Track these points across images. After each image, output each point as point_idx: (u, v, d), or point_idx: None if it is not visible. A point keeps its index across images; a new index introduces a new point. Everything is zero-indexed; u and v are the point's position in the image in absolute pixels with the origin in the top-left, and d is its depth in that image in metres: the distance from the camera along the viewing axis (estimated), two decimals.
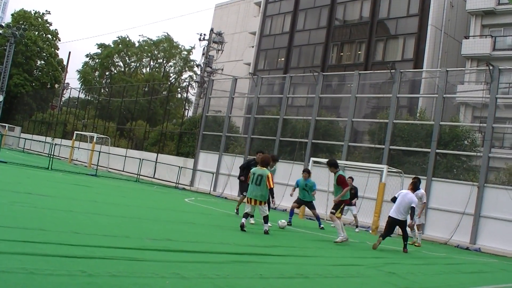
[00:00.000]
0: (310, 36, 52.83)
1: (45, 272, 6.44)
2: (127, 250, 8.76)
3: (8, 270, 6.23)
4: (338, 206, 16.06)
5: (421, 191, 19.10)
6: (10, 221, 9.93)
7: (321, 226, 20.48)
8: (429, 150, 26.83)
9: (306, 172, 20.92)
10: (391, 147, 28.39)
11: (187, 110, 59.64)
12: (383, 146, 28.71)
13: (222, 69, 53.73)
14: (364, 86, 34.67)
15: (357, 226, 23.13)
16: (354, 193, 23.24)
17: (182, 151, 44.33)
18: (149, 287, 6.60)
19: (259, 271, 8.89)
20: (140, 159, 38.69)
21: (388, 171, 24.47)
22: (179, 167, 37.18)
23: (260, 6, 60.77)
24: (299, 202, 20.86)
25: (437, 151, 26.63)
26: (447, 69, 28.40)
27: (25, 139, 59.97)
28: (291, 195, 21.22)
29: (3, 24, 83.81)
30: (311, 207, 20.67)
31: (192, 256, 9.34)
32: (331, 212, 15.89)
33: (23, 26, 77.47)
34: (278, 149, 33.41)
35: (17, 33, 72.86)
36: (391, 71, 29.56)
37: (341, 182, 15.82)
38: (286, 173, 31.56)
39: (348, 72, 37.73)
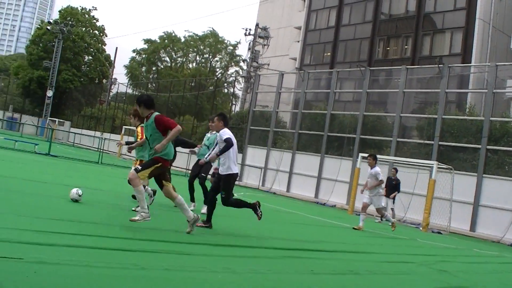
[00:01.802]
0: (355, 31, 52.37)
1: (99, 265, 6.48)
2: (178, 244, 8.79)
3: (64, 263, 6.29)
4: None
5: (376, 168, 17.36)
6: (62, 213, 10.03)
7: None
8: (479, 146, 26.34)
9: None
10: (441, 143, 27.97)
11: (234, 105, 59.81)
12: (432, 142, 28.31)
13: (269, 64, 53.60)
14: (412, 81, 34.20)
15: (381, 218, 21.29)
16: (395, 185, 22.93)
17: None
18: (200, 281, 6.60)
19: (310, 266, 8.83)
20: (188, 153, 38.80)
21: (438, 168, 24.06)
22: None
23: (305, 1, 60.44)
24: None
25: (488, 147, 26.11)
26: (497, 63, 27.85)
27: (75, 133, 60.79)
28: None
29: (51, 21, 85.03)
30: None
31: (243, 251, 9.33)
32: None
33: (70, 23, 78.49)
34: (326, 145, 33.22)
35: (64, 29, 73.89)
36: (439, 65, 29.14)
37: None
38: (334, 169, 31.40)
39: (395, 66, 37.25)
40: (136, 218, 9.55)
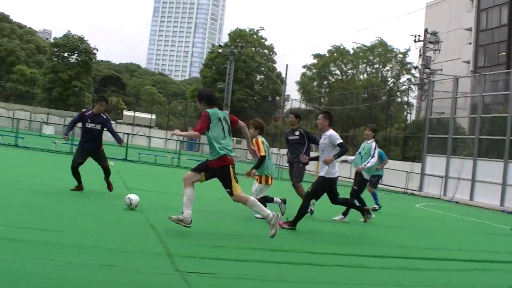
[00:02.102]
0: None
1: (294, 280, 6.52)
2: (355, 257, 8.67)
3: (257, 278, 6.41)
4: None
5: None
6: (248, 230, 10.24)
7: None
8: None
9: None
10: None
11: (409, 114, 58.80)
12: None
13: (441, 69, 52.25)
14: None
15: None
16: None
17: (408, 155, 43.63)
18: None
19: (504, 280, 8.41)
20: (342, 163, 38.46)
21: None
22: (406, 172, 36.60)
23: (473, 1, 58.44)
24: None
25: None
26: None
27: None
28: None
29: (222, 44, 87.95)
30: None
31: (429, 264, 9.01)
32: None
33: (240, 44, 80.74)
34: (509, 149, 31.72)
35: (235, 51, 76.07)
36: None
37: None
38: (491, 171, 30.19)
39: None
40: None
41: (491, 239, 14.58)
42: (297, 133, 14.07)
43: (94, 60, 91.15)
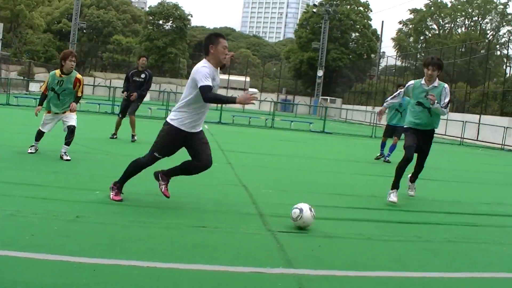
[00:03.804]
0: None
1: (381, 238, 6.52)
2: (461, 215, 8.57)
3: (346, 236, 6.45)
4: None
5: None
6: (342, 188, 10.27)
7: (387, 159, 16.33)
8: None
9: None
10: None
11: (508, 67, 56.74)
12: None
13: None
14: None
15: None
16: None
17: (506, 110, 42.27)
18: (486, 253, 6.37)
19: None
20: (462, 121, 37.61)
21: None
22: (505, 127, 35.45)
23: None
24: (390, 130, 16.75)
25: None
26: None
27: (347, 110, 61.88)
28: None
29: (316, 3, 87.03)
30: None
31: None
32: None
33: (335, 3, 79.71)
34: None
35: (330, 9, 75.16)
36: None
37: None
38: None
39: None
40: None
41: None
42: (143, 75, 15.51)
43: (188, 26, 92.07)
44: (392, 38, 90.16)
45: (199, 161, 7.16)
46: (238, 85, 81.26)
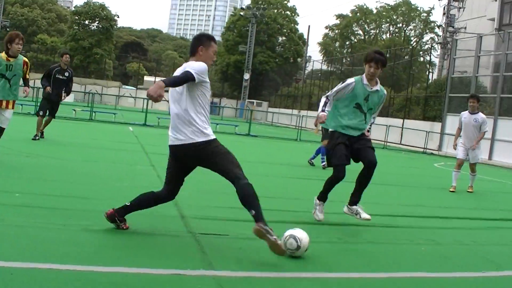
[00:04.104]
0: None
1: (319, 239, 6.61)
2: (381, 217, 8.75)
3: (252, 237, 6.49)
4: None
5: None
6: (266, 191, 10.31)
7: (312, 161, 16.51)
8: None
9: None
10: None
11: (431, 73, 58.21)
12: None
13: (465, 28, 51.45)
14: None
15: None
16: None
17: (428, 115, 43.32)
18: (404, 253, 6.54)
19: None
20: (386, 125, 38.39)
21: None
22: (426, 131, 36.36)
23: None
24: None
25: None
26: None
27: (273, 113, 62.33)
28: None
29: (244, 7, 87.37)
30: None
31: (445, 222, 9.08)
32: None
33: (262, 6, 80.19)
34: None
35: (257, 13, 75.53)
36: None
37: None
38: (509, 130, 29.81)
39: None
40: None
41: (509, 198, 14.57)
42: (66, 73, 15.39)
43: (115, 27, 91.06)
44: (319, 43, 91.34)
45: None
46: None
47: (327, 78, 70.94)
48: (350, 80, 7.79)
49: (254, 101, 73.56)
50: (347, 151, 7.74)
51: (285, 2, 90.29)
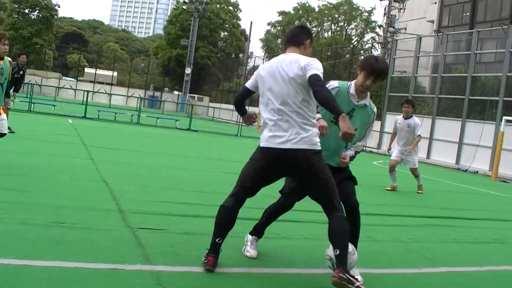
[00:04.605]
0: None
1: (240, 234, 6.64)
2: (319, 213, 8.84)
3: (206, 233, 6.50)
4: None
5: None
6: (205, 186, 10.36)
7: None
8: None
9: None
10: None
11: None
12: None
13: (405, 28, 52.29)
14: None
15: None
16: None
17: None
18: None
19: (452, 235, 8.65)
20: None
21: None
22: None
23: None
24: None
25: None
26: None
27: (214, 108, 62.30)
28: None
29: (187, 1, 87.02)
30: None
31: (383, 219, 9.27)
32: None
33: (205, 1, 80.00)
34: (467, 109, 32.10)
35: (200, 7, 75.25)
36: None
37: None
38: (476, 134, 30.35)
39: None
40: None
41: (444, 196, 14.91)
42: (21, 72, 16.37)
43: (56, 17, 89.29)
44: (261, 39, 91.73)
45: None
46: (105, 79, 79.96)
47: None
48: (333, 83, 5.86)
49: (195, 96, 73.34)
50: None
51: None
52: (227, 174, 12.66)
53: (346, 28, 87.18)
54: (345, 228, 4.97)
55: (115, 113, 31.08)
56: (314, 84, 4.88)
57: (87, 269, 4.67)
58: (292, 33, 5.47)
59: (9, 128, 15.18)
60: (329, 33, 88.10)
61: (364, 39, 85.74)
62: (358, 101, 5.75)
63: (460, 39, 39.80)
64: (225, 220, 5.49)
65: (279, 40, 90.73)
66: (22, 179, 8.51)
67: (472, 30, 36.75)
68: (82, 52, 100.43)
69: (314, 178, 5.06)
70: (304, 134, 4.99)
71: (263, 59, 74.32)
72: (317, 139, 5.06)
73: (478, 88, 32.65)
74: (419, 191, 14.14)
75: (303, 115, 5.06)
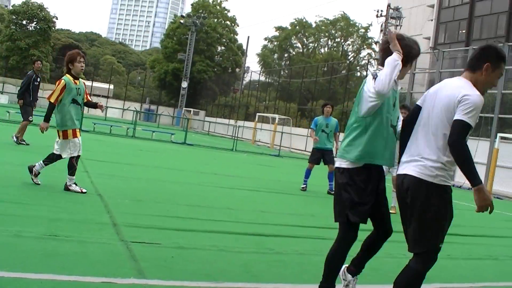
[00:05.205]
0: (492, 5, 50.33)
1: (234, 249, 6.66)
2: (313, 229, 8.87)
3: (199, 247, 6.52)
4: None
5: None
6: (199, 200, 10.35)
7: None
8: None
9: (330, 106, 15.32)
10: None
11: None
12: None
13: None
14: None
15: None
16: None
17: None
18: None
19: (446, 251, 8.63)
20: None
21: None
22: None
23: None
24: (318, 155, 15.00)
25: None
26: None
27: (210, 122, 62.35)
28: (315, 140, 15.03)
29: (184, 15, 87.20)
30: (330, 160, 14.78)
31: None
32: None
33: (202, 15, 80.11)
34: None
35: (197, 21, 75.41)
36: None
37: None
38: (471, 150, 30.28)
39: None
40: None
41: None
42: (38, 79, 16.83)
43: (53, 28, 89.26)
44: (257, 54, 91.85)
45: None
46: (101, 92, 79.92)
47: (265, 89, 71.44)
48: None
49: (191, 109, 73.37)
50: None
51: (226, 12, 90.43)
52: (222, 188, 12.69)
53: (343, 44, 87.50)
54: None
55: (111, 126, 31.06)
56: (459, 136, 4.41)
57: (80, 282, 4.67)
58: (473, 56, 4.67)
59: (23, 140, 15.52)
60: (326, 48, 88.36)
61: (361, 55, 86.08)
62: None
63: (456, 56, 40.05)
64: None
65: (275, 55, 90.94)
66: (17, 191, 8.50)
67: (468, 48, 36.96)
68: None
69: None
70: None
71: (259, 74, 74.47)
72: None
73: None
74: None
75: None
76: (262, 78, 75.43)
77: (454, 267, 7.52)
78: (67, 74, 9.31)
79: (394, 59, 4.69)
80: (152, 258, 5.75)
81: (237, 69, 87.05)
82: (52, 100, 9.09)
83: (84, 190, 9.09)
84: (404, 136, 4.78)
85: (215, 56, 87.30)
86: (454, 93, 4.35)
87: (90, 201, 8.57)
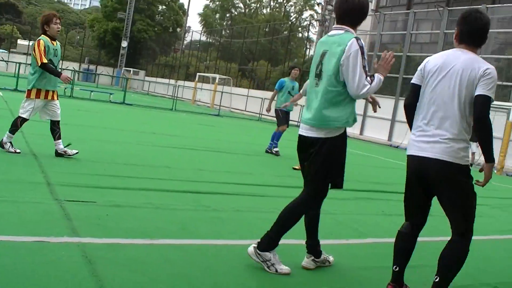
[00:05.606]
0: None
1: (170, 207, 6.66)
2: (250, 186, 8.93)
3: (135, 205, 6.50)
4: None
5: None
6: (137, 159, 10.29)
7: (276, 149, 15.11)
8: None
9: (298, 69, 15.67)
10: None
11: (308, 49, 59.34)
12: (511, 84, 27.45)
13: None
14: (492, 21, 32.71)
15: (471, 164, 18.21)
16: None
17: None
18: (270, 222, 6.70)
19: (382, 208, 8.85)
20: (262, 98, 38.80)
21: None
22: (301, 106, 37.02)
23: None
24: (286, 116, 15.77)
25: None
26: None
27: (149, 82, 61.78)
28: (268, 110, 16.03)
29: None
30: (287, 121, 15.71)
31: None
32: None
33: None
34: (401, 87, 32.70)
35: None
36: None
37: None
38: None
39: (474, 6, 36.05)
40: None
41: (376, 171, 15.19)
42: None
43: None
44: (199, 14, 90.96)
45: None
46: None
47: (206, 49, 71.00)
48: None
49: (131, 69, 72.44)
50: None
51: None
52: (160, 147, 12.65)
53: (285, 5, 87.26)
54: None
55: None
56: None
57: (12, 242, 4.61)
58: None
59: None
60: (268, 9, 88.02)
61: (303, 16, 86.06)
62: None
63: (396, 19, 40.41)
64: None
65: (217, 15, 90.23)
66: None
67: (408, 11, 37.30)
68: (15, 24, 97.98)
69: None
70: None
71: (201, 34, 73.93)
72: None
73: (412, 68, 33.22)
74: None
75: None
76: (204, 38, 74.98)
77: (389, 223, 7.66)
78: (43, 35, 9.08)
79: (381, 80, 5.03)
80: (86, 216, 5.69)
81: (178, 29, 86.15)
82: (45, 60, 8.84)
83: (18, 151, 8.91)
84: (411, 116, 4.82)
85: (156, 16, 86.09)
86: (473, 67, 4.34)
87: (24, 161, 8.42)
